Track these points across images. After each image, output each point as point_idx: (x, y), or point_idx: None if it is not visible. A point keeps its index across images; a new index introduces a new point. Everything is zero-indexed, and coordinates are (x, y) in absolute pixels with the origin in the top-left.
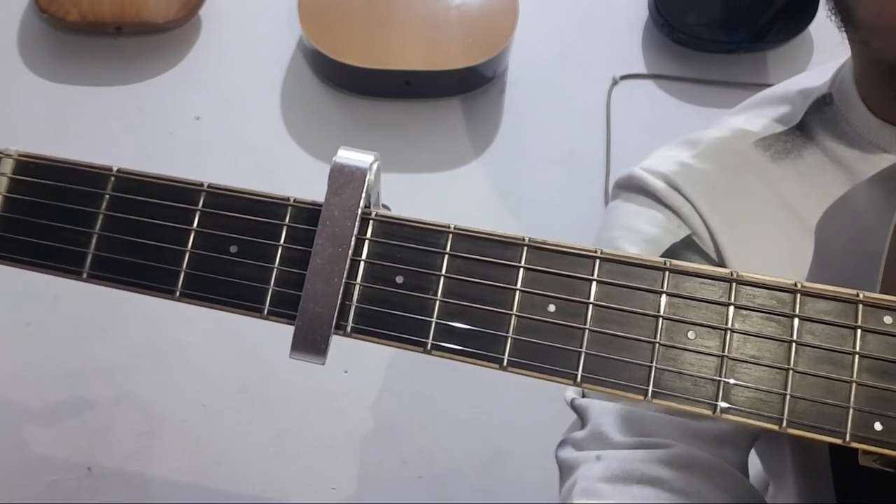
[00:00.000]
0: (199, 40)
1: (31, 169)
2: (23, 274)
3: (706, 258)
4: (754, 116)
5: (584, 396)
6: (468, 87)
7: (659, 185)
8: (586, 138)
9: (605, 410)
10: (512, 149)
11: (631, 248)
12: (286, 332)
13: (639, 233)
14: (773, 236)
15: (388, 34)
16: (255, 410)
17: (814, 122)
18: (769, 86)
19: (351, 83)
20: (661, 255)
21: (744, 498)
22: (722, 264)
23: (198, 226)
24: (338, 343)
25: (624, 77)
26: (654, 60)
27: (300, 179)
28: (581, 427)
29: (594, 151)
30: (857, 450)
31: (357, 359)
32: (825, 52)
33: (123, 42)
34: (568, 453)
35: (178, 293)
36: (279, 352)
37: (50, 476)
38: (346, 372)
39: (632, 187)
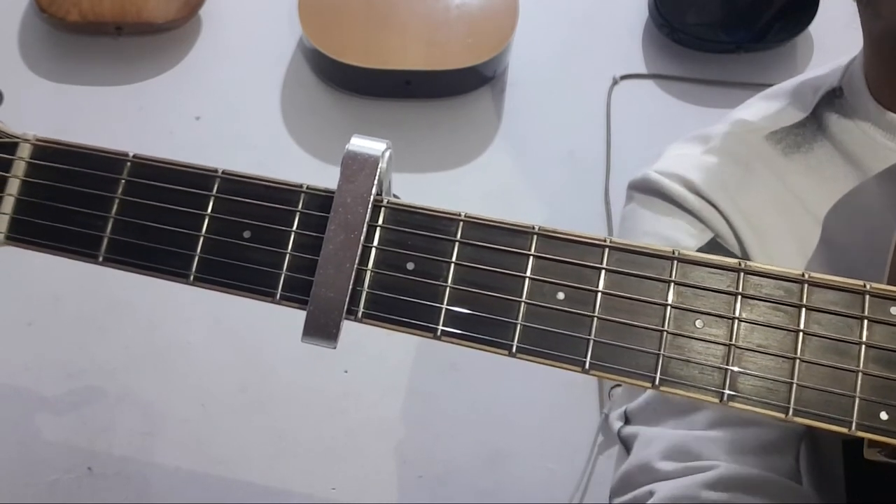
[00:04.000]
0: (200, 40)
1: (49, 154)
2: (24, 273)
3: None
4: (764, 111)
5: (627, 422)
6: (468, 87)
7: (676, 189)
8: (586, 138)
9: (650, 441)
10: (512, 149)
11: None
12: (287, 331)
13: (663, 238)
14: (788, 232)
15: (388, 34)
16: (255, 410)
17: (824, 114)
18: (769, 86)
19: (351, 83)
20: None
21: (794, 501)
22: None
23: (212, 211)
24: (338, 344)
25: (624, 77)
26: (654, 60)
27: (300, 179)
28: (626, 458)
29: (594, 151)
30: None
31: (357, 359)
32: (825, 52)
33: (124, 42)
34: (626, 498)
35: (191, 277)
36: (279, 352)
37: (50, 475)
38: (346, 372)
39: (648, 190)
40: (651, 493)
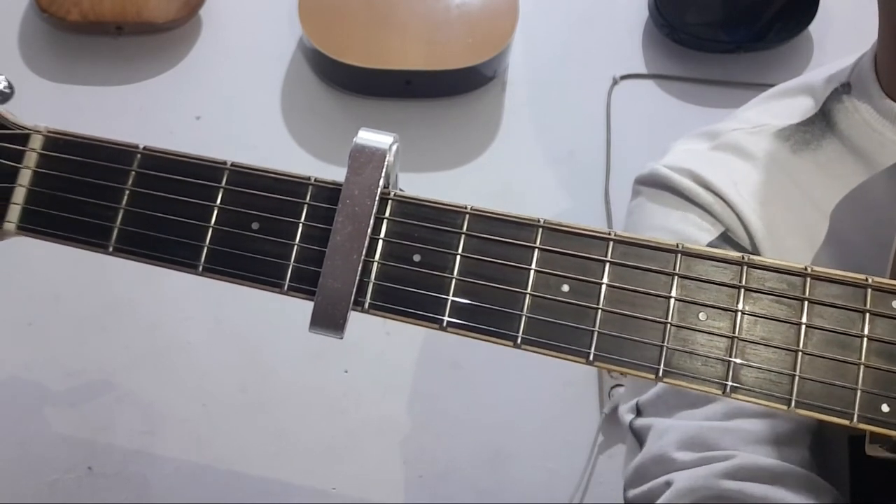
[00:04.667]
0: (200, 40)
1: (60, 145)
2: (25, 273)
3: (744, 252)
4: (772, 108)
5: (639, 414)
6: (468, 86)
7: (686, 182)
8: (586, 138)
9: (664, 432)
10: (512, 149)
11: None
12: (287, 331)
13: (673, 232)
14: (797, 228)
15: (389, 34)
16: (255, 410)
17: (833, 110)
18: (770, 86)
19: (351, 83)
20: None
21: (812, 493)
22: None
23: (221, 202)
24: (338, 343)
25: (624, 77)
26: (654, 60)
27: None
28: (639, 450)
29: (594, 151)
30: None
31: (357, 359)
32: (825, 52)
33: (124, 42)
34: (641, 490)
35: (200, 268)
36: (279, 352)
37: (50, 475)
38: (346, 372)
39: (657, 185)
40: (668, 484)
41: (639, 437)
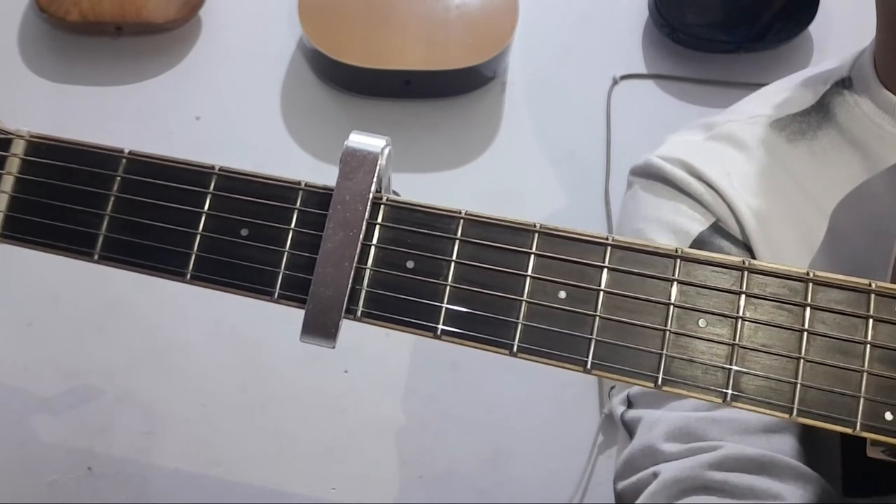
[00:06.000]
0: (199, 40)
1: (43, 150)
2: (23, 274)
3: (735, 242)
4: (770, 100)
5: (630, 406)
6: (468, 87)
7: (678, 173)
8: (586, 138)
9: (654, 423)
10: (512, 149)
11: (661, 238)
12: (287, 331)
13: (665, 223)
14: (789, 218)
15: (388, 34)
16: (255, 410)
17: (831, 102)
18: None
19: (351, 83)
20: (691, 244)
21: (798, 481)
22: (748, 246)
23: (209, 209)
24: (338, 343)
25: (624, 77)
26: (654, 60)
27: (300, 179)
28: (629, 442)
29: (594, 151)
30: (864, 442)
31: (357, 359)
32: (825, 52)
33: (123, 42)
34: (629, 482)
35: (188, 276)
36: (279, 352)
37: (50, 475)
38: (346, 372)
39: (650, 175)
40: (655, 475)
41: (629, 428)
